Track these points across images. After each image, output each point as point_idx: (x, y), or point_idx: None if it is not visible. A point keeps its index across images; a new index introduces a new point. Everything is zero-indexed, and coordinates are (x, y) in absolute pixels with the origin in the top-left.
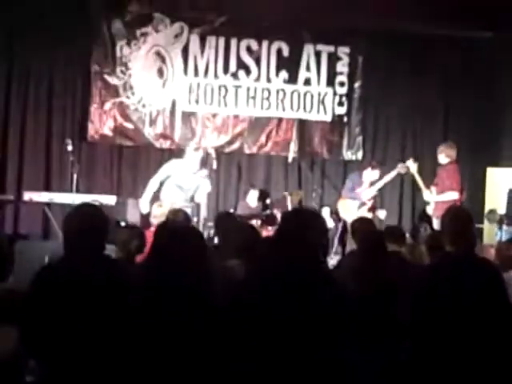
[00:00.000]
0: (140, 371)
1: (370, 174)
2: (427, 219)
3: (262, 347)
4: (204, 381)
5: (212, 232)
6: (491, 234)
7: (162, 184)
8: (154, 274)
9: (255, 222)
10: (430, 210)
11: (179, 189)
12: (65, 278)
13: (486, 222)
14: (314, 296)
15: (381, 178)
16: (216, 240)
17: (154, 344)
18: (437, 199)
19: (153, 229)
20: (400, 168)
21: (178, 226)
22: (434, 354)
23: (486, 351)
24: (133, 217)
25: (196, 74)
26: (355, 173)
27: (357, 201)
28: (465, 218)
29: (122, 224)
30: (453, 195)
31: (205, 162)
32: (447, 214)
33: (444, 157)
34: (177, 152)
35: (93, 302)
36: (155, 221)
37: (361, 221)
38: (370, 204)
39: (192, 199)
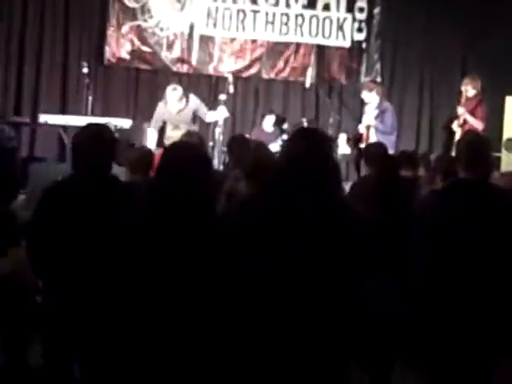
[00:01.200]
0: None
1: (366, 96)
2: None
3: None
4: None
5: (225, 156)
6: (509, 163)
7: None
8: (156, 189)
9: (271, 147)
10: (455, 125)
11: (176, 128)
12: (70, 194)
13: (503, 150)
14: (329, 220)
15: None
16: (229, 161)
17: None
18: (467, 117)
19: None
20: None
21: (181, 144)
22: (446, 280)
23: (497, 277)
24: (150, 140)
25: None
26: None
27: None
28: (481, 144)
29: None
30: (479, 124)
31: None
32: (463, 140)
33: (471, 89)
34: (194, 76)
35: (97, 217)
36: (168, 143)
37: (373, 146)
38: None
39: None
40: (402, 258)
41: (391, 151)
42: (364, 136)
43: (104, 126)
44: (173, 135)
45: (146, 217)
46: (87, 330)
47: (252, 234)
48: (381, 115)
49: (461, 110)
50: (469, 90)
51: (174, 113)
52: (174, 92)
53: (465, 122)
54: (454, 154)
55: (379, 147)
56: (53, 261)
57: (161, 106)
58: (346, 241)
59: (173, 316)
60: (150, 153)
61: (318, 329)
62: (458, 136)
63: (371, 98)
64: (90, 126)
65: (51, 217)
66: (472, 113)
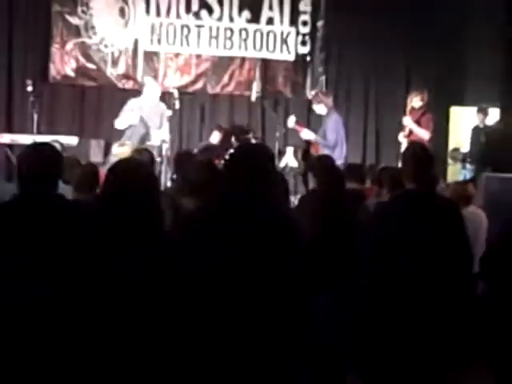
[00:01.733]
0: (95, 315)
1: (316, 108)
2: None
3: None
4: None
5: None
6: (455, 173)
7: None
8: (104, 208)
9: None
10: (401, 136)
11: (142, 124)
12: (16, 217)
13: (449, 160)
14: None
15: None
16: (176, 178)
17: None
18: (412, 126)
19: None
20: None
21: (128, 161)
22: (391, 291)
23: (442, 285)
24: (96, 157)
25: (158, 13)
26: None
27: None
28: (426, 155)
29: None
30: (425, 134)
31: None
32: (409, 151)
33: (418, 100)
34: (139, 92)
35: (44, 241)
36: (113, 159)
37: (320, 158)
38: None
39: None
40: (348, 270)
41: (338, 163)
42: (313, 149)
43: (48, 144)
44: (118, 152)
45: (94, 236)
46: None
47: (195, 244)
48: (322, 130)
49: (407, 121)
50: (415, 100)
51: (150, 105)
52: (154, 82)
53: (411, 132)
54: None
55: (326, 160)
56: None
57: (133, 100)
58: (286, 252)
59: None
60: (95, 170)
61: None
62: (403, 147)
63: (320, 110)
64: (34, 145)
65: None
66: (418, 122)
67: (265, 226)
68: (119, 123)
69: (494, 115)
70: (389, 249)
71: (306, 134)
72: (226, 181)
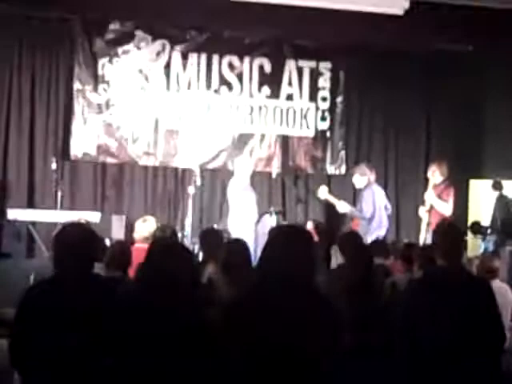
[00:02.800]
0: None
1: (356, 180)
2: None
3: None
4: None
5: (196, 248)
6: (475, 247)
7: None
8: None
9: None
10: (422, 211)
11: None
12: (53, 300)
13: (469, 234)
14: (311, 317)
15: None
16: (201, 255)
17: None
18: (434, 202)
19: (138, 245)
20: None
21: (172, 245)
22: (426, 370)
23: (477, 364)
24: (117, 233)
25: (178, 90)
26: None
27: None
28: (457, 232)
29: (107, 241)
30: (447, 209)
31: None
32: (440, 228)
33: (439, 175)
34: (160, 169)
35: (78, 325)
36: (137, 236)
37: (349, 235)
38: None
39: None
40: (379, 346)
41: (376, 234)
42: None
43: (86, 225)
44: (142, 229)
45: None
46: None
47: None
48: (359, 202)
49: (429, 195)
50: (436, 176)
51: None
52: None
53: (432, 207)
54: (421, 241)
55: (354, 237)
56: (37, 361)
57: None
58: (325, 331)
59: None
60: (126, 248)
61: None
62: (425, 222)
63: (360, 183)
64: (69, 225)
65: (37, 320)
66: (439, 197)
67: (305, 303)
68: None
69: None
70: (422, 325)
71: (343, 207)
72: (264, 262)
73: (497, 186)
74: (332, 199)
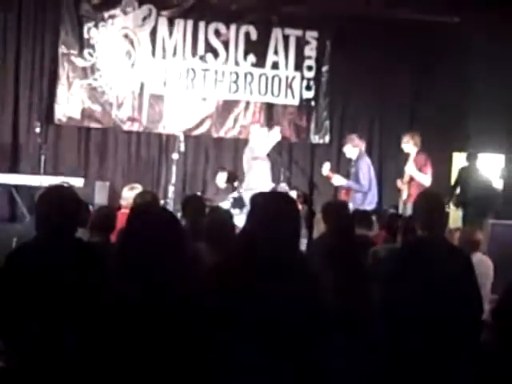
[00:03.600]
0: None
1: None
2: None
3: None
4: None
5: (179, 214)
6: (456, 219)
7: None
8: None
9: (223, 204)
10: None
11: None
12: (36, 262)
13: (451, 206)
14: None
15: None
16: (183, 222)
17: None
18: (414, 174)
19: (123, 210)
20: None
21: (153, 212)
22: (405, 338)
23: (454, 334)
24: (100, 199)
25: (164, 56)
26: None
27: None
28: (439, 203)
29: (90, 207)
30: (426, 180)
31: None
32: (421, 199)
33: (412, 145)
34: (144, 135)
35: (64, 286)
36: (124, 203)
37: (333, 204)
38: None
39: None
40: (359, 316)
41: (370, 207)
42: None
43: (69, 188)
44: (129, 195)
45: (116, 283)
46: None
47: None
48: (355, 174)
49: (409, 167)
50: (410, 147)
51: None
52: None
53: (412, 179)
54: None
55: (338, 206)
56: (19, 325)
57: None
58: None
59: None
60: (113, 214)
61: None
62: (404, 194)
63: (352, 153)
64: (54, 187)
65: (18, 281)
66: (420, 169)
67: (290, 271)
68: None
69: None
70: (401, 295)
71: (338, 180)
72: (248, 228)
73: (470, 158)
74: (329, 174)
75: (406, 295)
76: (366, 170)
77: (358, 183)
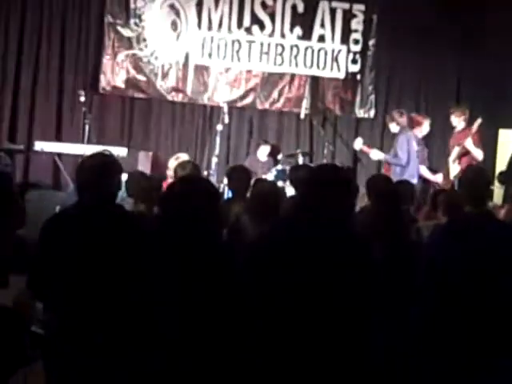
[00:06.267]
0: (148, 327)
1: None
2: None
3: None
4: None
5: (223, 185)
6: (500, 196)
7: None
8: (166, 227)
9: (266, 177)
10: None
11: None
12: (76, 227)
13: (496, 183)
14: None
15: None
16: (228, 193)
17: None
18: (469, 146)
19: (169, 181)
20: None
21: (190, 178)
22: (452, 317)
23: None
24: (144, 169)
25: (210, 27)
26: None
27: None
28: (486, 179)
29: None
30: (480, 154)
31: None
32: (469, 174)
33: (462, 120)
34: (189, 105)
35: (102, 252)
36: (170, 173)
37: (377, 178)
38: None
39: None
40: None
41: (413, 181)
42: (384, 169)
43: (110, 156)
44: (172, 166)
45: (156, 251)
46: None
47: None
48: (394, 148)
49: (468, 143)
50: (457, 121)
51: None
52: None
53: (463, 154)
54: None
55: (381, 180)
56: (58, 293)
57: None
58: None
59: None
60: (160, 184)
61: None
62: (456, 168)
63: (393, 129)
64: (95, 154)
65: (56, 248)
66: (474, 144)
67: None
68: None
69: None
70: (449, 273)
71: (376, 155)
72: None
73: None
74: (366, 149)
75: (452, 272)
76: (405, 143)
77: (395, 157)
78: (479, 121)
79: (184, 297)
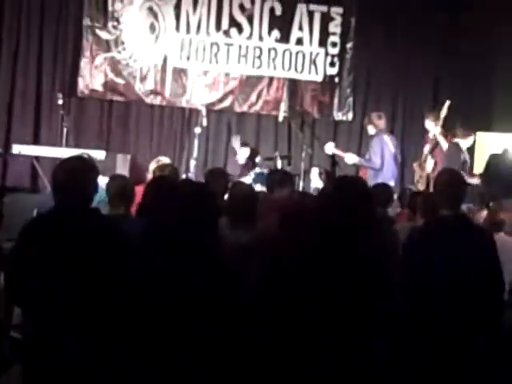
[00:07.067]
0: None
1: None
2: None
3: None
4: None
5: None
6: None
7: None
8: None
9: (244, 179)
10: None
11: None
12: (53, 230)
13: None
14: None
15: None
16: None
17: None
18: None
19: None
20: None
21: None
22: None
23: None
24: (122, 172)
25: (188, 30)
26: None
27: None
28: (461, 181)
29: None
30: (444, 144)
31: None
32: (443, 177)
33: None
34: (167, 108)
35: (80, 254)
36: (149, 176)
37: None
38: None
39: None
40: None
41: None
42: (361, 173)
43: (85, 159)
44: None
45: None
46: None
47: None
48: (368, 152)
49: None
50: (432, 125)
51: None
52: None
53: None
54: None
55: (346, 182)
56: (34, 296)
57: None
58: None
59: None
60: (131, 187)
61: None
62: (424, 173)
63: (369, 131)
64: (72, 157)
65: (32, 252)
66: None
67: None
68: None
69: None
70: (424, 274)
71: (350, 158)
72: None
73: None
74: (339, 153)
75: (426, 274)
76: (378, 147)
77: (369, 160)
78: (448, 103)
79: None
